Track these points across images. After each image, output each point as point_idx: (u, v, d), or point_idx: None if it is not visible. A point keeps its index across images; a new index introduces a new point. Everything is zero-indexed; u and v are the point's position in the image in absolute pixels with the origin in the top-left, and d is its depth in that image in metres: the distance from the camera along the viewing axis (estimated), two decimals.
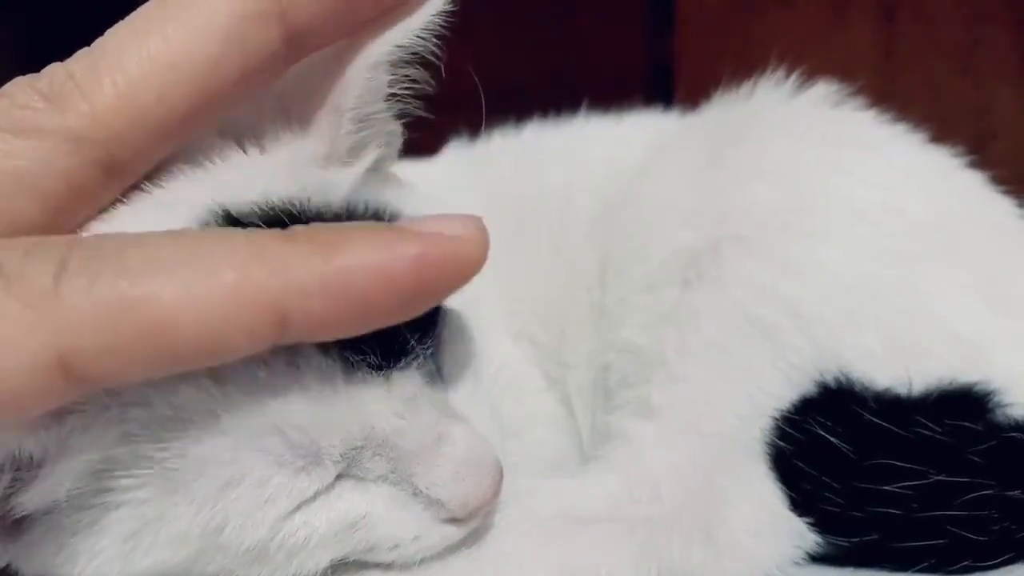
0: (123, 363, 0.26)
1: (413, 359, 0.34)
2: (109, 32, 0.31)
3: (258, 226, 0.32)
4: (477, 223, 0.29)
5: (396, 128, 0.39)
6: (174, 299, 0.26)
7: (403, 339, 0.33)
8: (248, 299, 0.26)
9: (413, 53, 0.35)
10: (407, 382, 0.33)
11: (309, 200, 0.34)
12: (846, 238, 0.43)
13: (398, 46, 0.34)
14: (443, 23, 0.35)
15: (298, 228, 0.28)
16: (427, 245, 0.28)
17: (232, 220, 0.32)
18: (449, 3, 0.34)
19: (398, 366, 0.33)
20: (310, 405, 0.31)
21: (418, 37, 0.34)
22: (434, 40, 0.35)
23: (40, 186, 0.29)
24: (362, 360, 0.32)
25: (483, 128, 0.57)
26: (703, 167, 0.47)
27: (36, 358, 0.25)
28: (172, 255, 0.27)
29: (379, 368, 0.32)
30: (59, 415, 0.30)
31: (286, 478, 0.32)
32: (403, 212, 0.37)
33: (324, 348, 0.31)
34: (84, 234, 0.30)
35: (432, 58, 0.35)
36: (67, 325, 0.25)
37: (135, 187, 0.32)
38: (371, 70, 0.34)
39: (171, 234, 0.28)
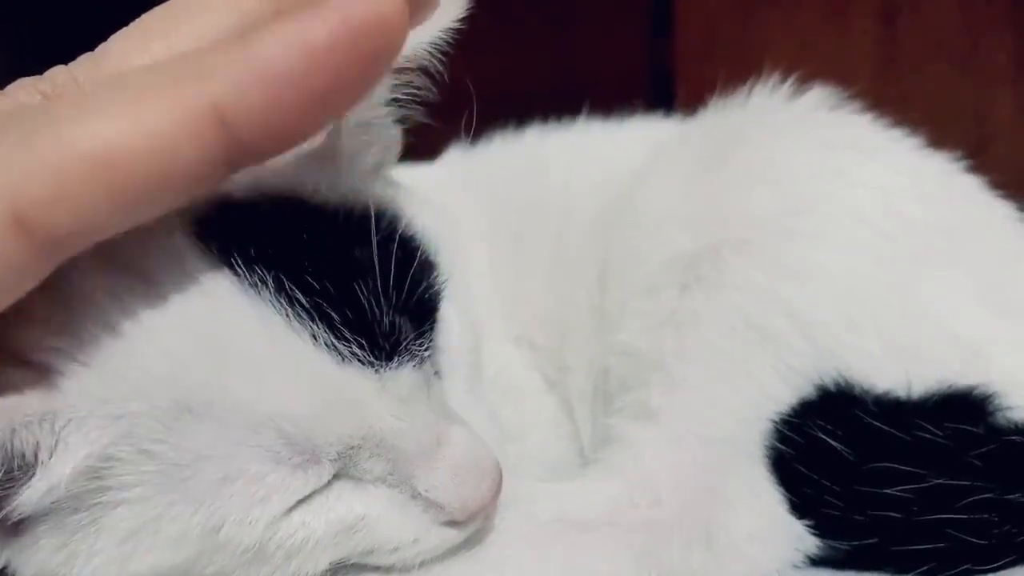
0: (79, 207, 0.26)
1: (409, 360, 0.34)
2: (113, 37, 0.31)
3: (261, 210, 0.33)
4: None
5: (396, 133, 0.39)
6: (112, 130, 0.26)
7: (395, 337, 0.33)
8: (182, 109, 0.26)
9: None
10: (403, 382, 0.33)
11: (308, 198, 0.34)
12: (845, 241, 0.43)
13: (403, 56, 0.34)
14: (449, 38, 0.35)
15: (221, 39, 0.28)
16: (341, 9, 0.27)
17: (233, 204, 0.32)
18: (457, 21, 0.35)
19: (392, 364, 0.33)
20: (304, 399, 0.31)
21: (424, 51, 0.35)
22: (439, 55, 0.35)
23: None
24: (353, 355, 0.32)
25: (483, 132, 0.57)
26: (702, 171, 0.47)
27: None
28: (101, 95, 0.27)
29: (371, 364, 0.32)
30: (53, 409, 0.30)
31: (283, 475, 0.32)
32: (402, 215, 0.37)
33: (315, 341, 0.31)
34: None
35: (435, 72, 0.36)
36: (11, 180, 0.25)
37: None
38: None
39: (100, 80, 0.29)
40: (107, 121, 0.26)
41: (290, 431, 0.31)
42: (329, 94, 0.27)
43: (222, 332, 0.31)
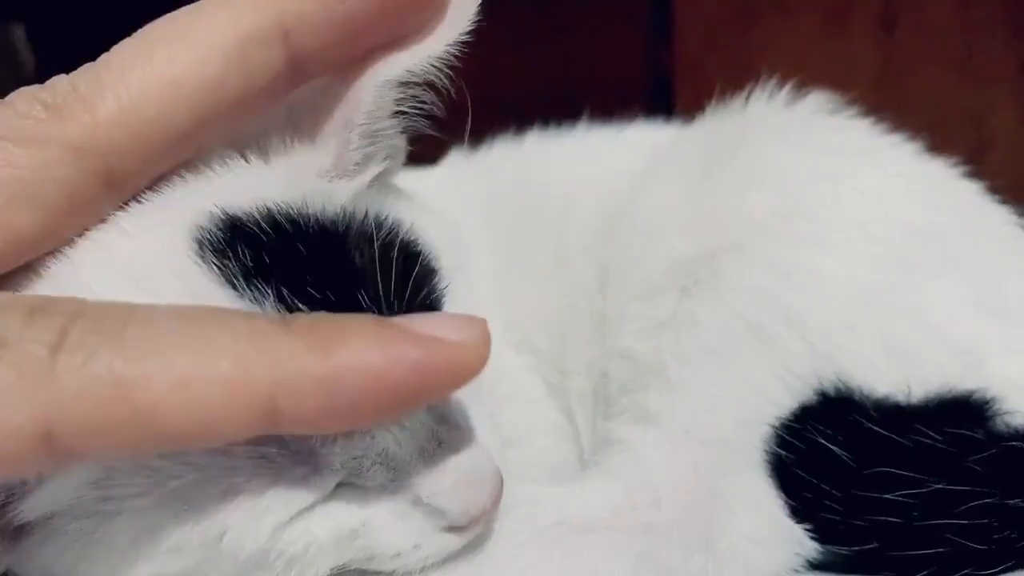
0: (109, 443, 0.26)
1: None
2: (115, 48, 0.31)
3: (259, 232, 0.32)
4: (481, 327, 0.28)
5: (401, 143, 0.39)
6: (166, 385, 0.26)
7: None
8: (240, 391, 0.26)
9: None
10: None
11: (308, 207, 0.34)
12: (844, 245, 0.43)
13: (409, 71, 0.34)
14: (456, 53, 0.35)
15: (299, 317, 0.28)
16: (426, 352, 0.27)
17: (232, 223, 0.32)
18: (464, 34, 0.35)
19: None
20: None
21: (431, 65, 0.35)
22: (445, 70, 0.35)
23: (39, 195, 0.29)
24: None
25: (483, 138, 0.58)
26: (700, 176, 0.48)
27: (23, 428, 0.25)
28: (170, 335, 0.26)
29: None
30: None
31: (285, 487, 0.32)
32: (403, 221, 0.37)
33: None
34: (90, 299, 0.29)
35: (442, 87, 0.36)
36: (57, 400, 0.25)
37: (136, 198, 0.33)
38: (381, 88, 0.34)
39: (173, 311, 0.28)
40: (164, 372, 0.26)
41: (291, 442, 0.31)
42: (379, 413, 0.28)
43: None
